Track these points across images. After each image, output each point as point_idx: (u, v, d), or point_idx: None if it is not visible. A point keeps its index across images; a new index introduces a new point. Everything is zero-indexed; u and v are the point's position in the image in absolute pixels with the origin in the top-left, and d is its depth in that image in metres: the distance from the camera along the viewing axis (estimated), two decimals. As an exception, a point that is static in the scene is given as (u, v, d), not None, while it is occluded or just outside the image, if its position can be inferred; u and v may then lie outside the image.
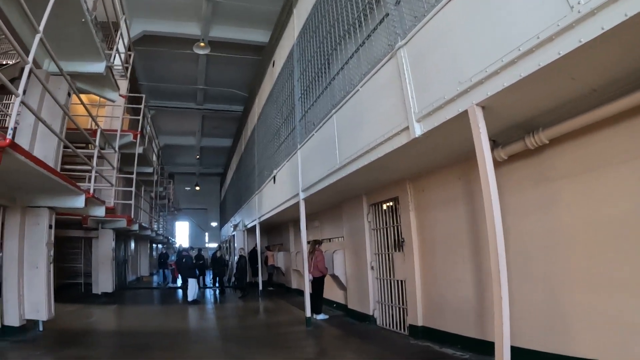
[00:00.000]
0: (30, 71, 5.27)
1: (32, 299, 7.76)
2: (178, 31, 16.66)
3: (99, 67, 8.92)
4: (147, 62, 19.73)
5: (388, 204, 8.35)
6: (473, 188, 5.90)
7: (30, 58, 5.18)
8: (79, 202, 8.02)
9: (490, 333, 5.39)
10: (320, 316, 9.52)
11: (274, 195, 12.27)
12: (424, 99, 4.64)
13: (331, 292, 10.72)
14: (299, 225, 12.87)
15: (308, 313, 8.78)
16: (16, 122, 6.42)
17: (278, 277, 18.00)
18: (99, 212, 9.51)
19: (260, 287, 15.26)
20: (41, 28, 5.35)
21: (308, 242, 9.39)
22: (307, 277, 9.15)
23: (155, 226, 24.88)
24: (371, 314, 8.63)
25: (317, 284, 9.59)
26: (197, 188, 37.74)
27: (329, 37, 7.89)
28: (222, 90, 21.79)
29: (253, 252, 17.44)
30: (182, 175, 38.51)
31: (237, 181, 23.64)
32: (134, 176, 13.17)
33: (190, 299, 12.74)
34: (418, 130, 4.72)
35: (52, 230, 8.41)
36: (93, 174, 8.53)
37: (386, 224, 8.37)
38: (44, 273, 7.89)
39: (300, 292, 14.04)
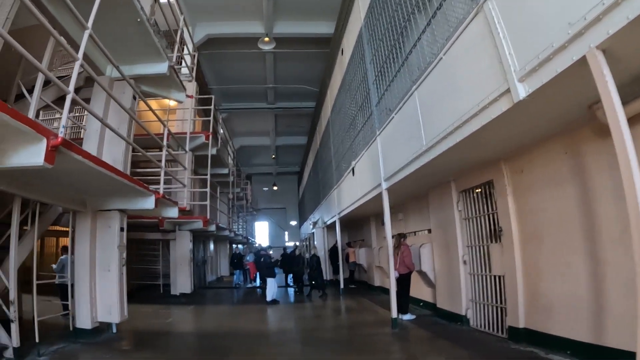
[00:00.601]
0: (84, 69, 5.10)
1: (105, 302, 7.78)
2: (241, 31, 16.83)
3: (161, 68, 8.84)
4: (214, 66, 20.04)
5: (481, 189, 7.39)
6: (584, 163, 4.97)
7: (80, 54, 4.97)
8: (149, 203, 7.91)
9: (609, 337, 4.53)
10: (407, 316, 8.74)
11: (353, 189, 11.66)
12: (525, 53, 3.81)
13: (417, 289, 9.88)
14: (381, 219, 12.09)
15: (394, 313, 8.02)
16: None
17: (360, 274, 17.37)
18: (172, 213, 9.43)
19: (342, 285, 14.75)
20: (90, 24, 5.15)
21: (392, 237, 8.61)
22: (393, 274, 8.34)
23: (235, 227, 25.27)
24: (463, 313, 7.75)
25: (404, 281, 8.78)
26: (275, 188, 38.02)
27: (400, 8, 7.19)
28: (292, 87, 21.66)
29: (333, 249, 16.97)
30: (260, 176, 39.00)
31: (315, 178, 23.31)
32: (208, 177, 13.16)
33: (269, 298, 12.46)
34: (522, 91, 3.88)
35: (124, 233, 8.39)
36: (162, 174, 8.43)
37: (480, 212, 7.40)
38: (116, 275, 7.87)
39: (384, 290, 13.39)
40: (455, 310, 8.07)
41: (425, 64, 6.21)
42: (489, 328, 7.06)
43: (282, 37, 17.08)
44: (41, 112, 14.41)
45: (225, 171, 17.94)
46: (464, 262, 7.80)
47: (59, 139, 4.34)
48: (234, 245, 29.41)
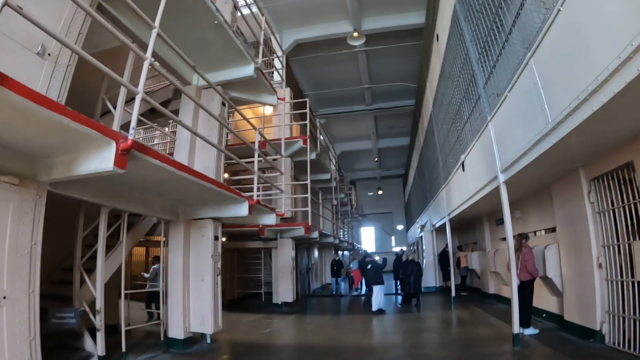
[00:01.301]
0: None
1: (198, 312, 7.70)
2: (329, 32, 16.57)
3: (247, 71, 8.73)
4: (307, 72, 19.92)
5: (617, 174, 6.03)
6: None
7: (149, 53, 4.71)
8: (243, 210, 7.63)
9: None
10: (529, 331, 7.49)
11: (464, 186, 10.55)
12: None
13: (540, 298, 8.43)
14: (495, 219, 11.32)
15: (516, 328, 6.84)
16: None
17: (472, 280, 16.02)
18: (270, 220, 9.06)
19: (453, 293, 13.64)
20: (157, 23, 4.89)
21: (513, 237, 7.48)
22: (515, 282, 7.11)
23: (340, 233, 24.87)
24: (598, 328, 6.38)
25: (525, 289, 7.45)
26: (380, 192, 37.15)
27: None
28: (389, 85, 20.95)
29: (443, 253, 15.96)
30: (364, 181, 38.56)
31: (420, 178, 22.13)
32: (308, 182, 12.79)
33: (374, 308, 11.68)
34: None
35: (219, 242, 8.26)
36: (255, 179, 8.12)
37: (618, 203, 6.03)
38: (209, 285, 7.72)
39: (499, 299, 12.15)
40: (587, 324, 6.72)
41: (539, 22, 5.12)
42: (630, 347, 5.71)
43: (372, 34, 16.44)
44: (142, 132, 15.17)
45: (327, 177, 17.55)
46: (599, 266, 6.42)
47: (129, 142, 4.05)
48: (339, 252, 28.97)
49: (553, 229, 8.22)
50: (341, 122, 25.99)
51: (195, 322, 7.68)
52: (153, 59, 5.10)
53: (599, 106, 3.98)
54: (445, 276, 15.99)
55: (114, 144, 4.00)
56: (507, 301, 11.08)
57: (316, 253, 20.39)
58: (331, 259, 19.74)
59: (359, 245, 33.83)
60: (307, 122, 13.47)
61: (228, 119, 14.63)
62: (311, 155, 13.91)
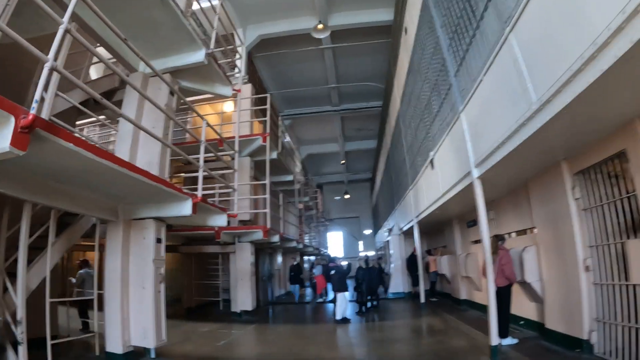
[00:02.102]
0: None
1: (139, 323, 6.79)
2: (295, 28, 15.91)
3: (198, 57, 7.96)
4: (273, 69, 19.24)
5: (606, 166, 5.42)
6: None
7: (66, 17, 3.86)
8: (186, 208, 6.78)
9: None
10: (507, 341, 6.80)
11: (433, 185, 9.91)
12: None
13: (517, 304, 7.73)
14: (465, 221, 10.73)
15: (494, 339, 6.14)
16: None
17: (442, 285, 15.47)
18: (220, 221, 8.23)
19: (422, 299, 12.97)
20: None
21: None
22: (492, 288, 6.42)
23: (306, 238, 24.11)
24: (585, 337, 5.73)
25: (502, 296, 6.73)
26: (347, 196, 36.61)
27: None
28: (356, 86, 20.41)
29: (412, 257, 15.32)
30: (331, 185, 37.96)
31: (387, 181, 21.51)
32: (267, 182, 11.95)
33: (338, 317, 10.93)
34: None
35: (162, 245, 7.38)
36: (200, 176, 7.28)
37: (607, 198, 5.43)
38: (151, 294, 6.84)
39: (472, 305, 11.52)
40: (572, 333, 6.07)
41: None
42: (622, 358, 5.11)
43: (339, 30, 15.83)
44: (98, 129, 14.05)
45: (290, 178, 16.77)
46: (586, 269, 5.79)
47: (31, 117, 3.23)
48: (297, 257, 28.06)
49: (531, 230, 7.64)
50: (307, 124, 25.34)
51: (136, 335, 6.75)
52: (72, 25, 4.20)
53: (596, 76, 3.30)
54: (414, 281, 15.42)
55: (12, 119, 3.20)
56: (480, 307, 10.53)
57: (280, 258, 19.51)
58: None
59: (325, 251, 33.09)
60: (267, 118, 12.67)
61: (186, 115, 13.78)
62: (272, 155, 13.14)
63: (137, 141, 7.65)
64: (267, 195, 11.84)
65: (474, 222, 11.16)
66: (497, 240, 7.15)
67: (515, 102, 4.88)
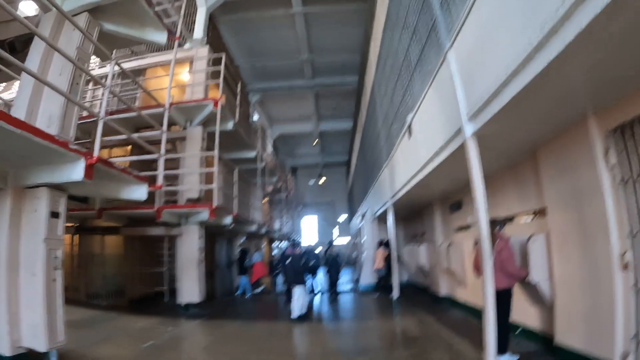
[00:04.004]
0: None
1: (30, 320, 5.30)
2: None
3: (122, -10, 6.33)
4: (240, 37, 17.64)
5: None
6: None
7: None
8: (76, 172, 5.24)
9: None
10: (505, 357, 5.12)
11: (411, 156, 8.18)
12: None
13: (514, 306, 5.78)
14: (448, 204, 9.59)
15: (491, 358, 4.54)
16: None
17: (419, 278, 14.10)
18: (138, 193, 6.70)
19: (395, 295, 11.39)
20: None
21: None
22: (491, 291, 4.63)
23: (277, 223, 22.63)
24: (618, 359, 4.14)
25: (502, 300, 4.95)
26: (322, 180, 35.05)
27: None
28: (332, 58, 18.76)
29: (384, 245, 13.86)
30: (305, 169, 36.33)
31: (362, 162, 19.82)
32: (215, 153, 10.31)
33: (295, 314, 9.40)
34: None
35: (60, 221, 5.76)
36: (99, 130, 5.73)
37: None
38: (41, 282, 5.29)
39: (454, 303, 10.04)
40: (598, 354, 4.43)
41: None
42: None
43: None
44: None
45: (252, 155, 15.11)
46: (625, 267, 4.13)
47: None
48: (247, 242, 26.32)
49: (540, 213, 6.02)
50: (279, 100, 23.81)
51: (28, 334, 5.25)
52: None
53: None
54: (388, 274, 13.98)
55: None
56: (464, 307, 9.11)
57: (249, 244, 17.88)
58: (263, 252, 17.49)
59: (297, 237, 31.62)
60: (220, 80, 11.00)
61: (139, 76, 12.05)
62: (226, 125, 11.50)
63: (40, 93, 6.14)
64: (215, 168, 10.18)
65: (458, 205, 9.70)
66: (495, 226, 5.40)
67: (527, 19, 3.33)
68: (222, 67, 11.13)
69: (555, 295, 5.38)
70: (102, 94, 5.94)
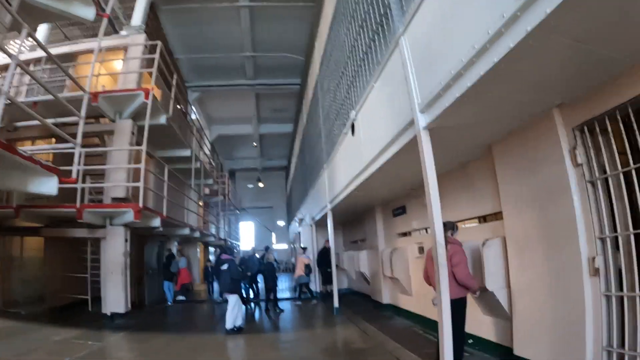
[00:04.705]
0: None
1: None
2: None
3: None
4: (181, 30, 16.62)
5: (629, 112, 3.37)
6: None
7: None
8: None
9: None
10: None
11: (353, 156, 7.59)
12: None
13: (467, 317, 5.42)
14: (391, 209, 9.27)
15: None
16: None
17: (361, 285, 13.63)
18: (47, 187, 5.73)
19: (336, 303, 10.73)
20: None
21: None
22: (447, 302, 4.07)
23: (212, 227, 21.56)
24: None
25: (455, 311, 4.34)
26: (260, 184, 33.99)
27: None
28: (275, 57, 18.15)
29: (324, 251, 13.43)
30: (244, 172, 35.18)
31: (302, 166, 19.15)
32: (143, 148, 9.35)
33: (229, 325, 8.61)
34: None
35: None
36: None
37: (631, 162, 3.42)
38: None
39: (398, 311, 9.67)
40: None
41: None
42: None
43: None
44: None
45: (187, 153, 14.11)
46: (595, 272, 3.73)
47: None
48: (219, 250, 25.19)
49: (495, 216, 5.63)
50: (219, 100, 22.81)
51: None
52: None
53: None
54: (325, 279, 13.62)
55: None
56: (408, 314, 8.78)
57: (174, 249, 16.75)
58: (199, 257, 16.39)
59: (235, 242, 30.49)
60: (154, 68, 10.06)
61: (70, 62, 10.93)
62: (159, 119, 10.57)
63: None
64: (142, 164, 9.24)
65: (402, 210, 9.32)
66: (446, 229, 4.79)
67: (489, 2, 2.96)
68: (156, 56, 10.19)
69: (513, 304, 4.96)
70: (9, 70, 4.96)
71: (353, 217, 13.50)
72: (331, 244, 11.63)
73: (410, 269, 8.58)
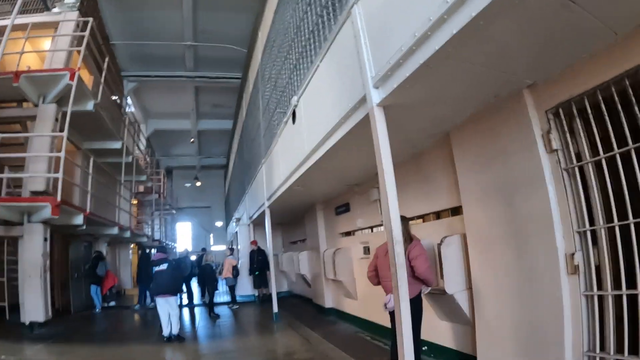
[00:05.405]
0: None
1: None
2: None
3: None
4: (121, 15, 15.34)
5: (608, 92, 3.03)
6: None
7: None
8: None
9: None
10: None
11: (294, 146, 6.90)
12: None
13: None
14: (333, 207, 8.90)
15: None
16: None
17: (302, 288, 13.16)
18: None
19: (276, 308, 9.94)
20: None
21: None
22: (406, 303, 3.51)
23: (147, 228, 20.41)
24: None
25: (413, 312, 3.72)
26: (198, 183, 32.62)
27: None
28: (217, 48, 17.23)
29: (259, 253, 13.04)
30: (182, 170, 33.71)
31: (240, 163, 18.25)
32: (64, 134, 8.39)
33: (165, 333, 7.83)
34: None
35: None
36: None
37: (612, 147, 3.07)
38: None
39: (342, 315, 9.17)
40: None
41: None
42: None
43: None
44: None
45: (118, 145, 12.99)
46: (574, 270, 3.32)
47: None
48: (154, 251, 23.80)
49: (454, 210, 5.15)
50: (157, 92, 21.62)
51: None
52: None
53: None
54: (257, 282, 13.22)
55: None
56: (353, 319, 8.31)
57: (104, 250, 15.52)
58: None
59: (170, 243, 29.10)
60: (83, 47, 9.11)
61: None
62: (87, 104, 9.61)
63: None
64: (62, 154, 8.29)
65: (345, 207, 8.84)
66: (403, 224, 4.07)
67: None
68: (87, 33, 9.23)
69: (476, 308, 4.51)
70: None
71: (293, 216, 12.93)
72: (269, 244, 10.98)
73: (355, 271, 8.17)
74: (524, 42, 2.82)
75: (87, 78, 10.69)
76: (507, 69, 3.28)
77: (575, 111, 3.35)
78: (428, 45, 2.87)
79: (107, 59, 11.26)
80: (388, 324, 4.76)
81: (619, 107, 2.96)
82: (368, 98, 3.77)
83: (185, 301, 12.99)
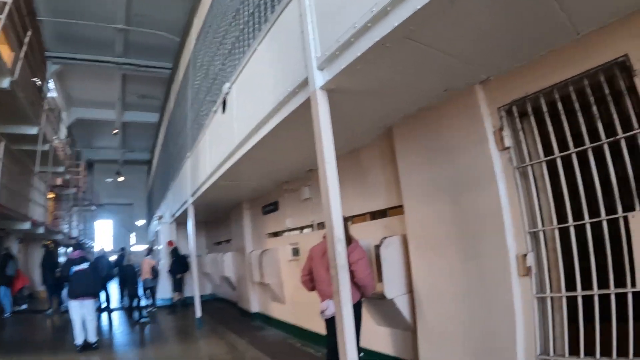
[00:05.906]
0: None
1: None
2: None
3: None
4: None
5: (566, 90, 3.01)
6: None
7: None
8: None
9: None
10: None
11: (222, 138, 6.47)
12: None
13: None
14: (260, 206, 8.69)
15: None
16: None
17: (225, 290, 12.69)
18: None
19: (199, 313, 9.35)
20: None
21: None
22: (348, 308, 3.18)
23: (65, 225, 19.04)
24: None
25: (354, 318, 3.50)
26: (121, 178, 30.87)
27: None
28: (150, 36, 16.40)
29: (174, 253, 12.84)
30: (103, 164, 31.79)
31: (165, 157, 17.42)
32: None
33: (79, 341, 7.10)
34: None
35: None
36: None
37: (566, 147, 3.05)
38: None
39: (269, 320, 8.81)
40: None
41: None
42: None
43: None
44: None
45: (34, 131, 11.91)
46: (527, 271, 3.24)
47: None
48: (69, 250, 22.13)
49: (371, 215, 5.11)
50: (82, 77, 20.13)
51: None
52: None
53: None
54: (176, 285, 12.76)
55: None
56: (281, 325, 8.01)
57: (15, 247, 14.26)
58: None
59: (88, 241, 27.34)
60: (3, 16, 8.24)
61: None
62: (1, 81, 8.68)
63: None
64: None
65: (273, 206, 8.57)
66: (345, 222, 3.91)
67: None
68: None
69: (417, 313, 4.31)
70: None
71: (217, 216, 12.52)
72: (191, 245, 10.41)
73: (283, 273, 7.81)
74: (490, 27, 2.66)
75: (7, 54, 9.68)
76: (467, 58, 3.10)
77: (530, 109, 3.26)
78: (387, 21, 2.60)
79: (29, 32, 10.27)
80: (320, 330, 4.52)
81: (576, 107, 2.91)
82: (310, 81, 3.47)
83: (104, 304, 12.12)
